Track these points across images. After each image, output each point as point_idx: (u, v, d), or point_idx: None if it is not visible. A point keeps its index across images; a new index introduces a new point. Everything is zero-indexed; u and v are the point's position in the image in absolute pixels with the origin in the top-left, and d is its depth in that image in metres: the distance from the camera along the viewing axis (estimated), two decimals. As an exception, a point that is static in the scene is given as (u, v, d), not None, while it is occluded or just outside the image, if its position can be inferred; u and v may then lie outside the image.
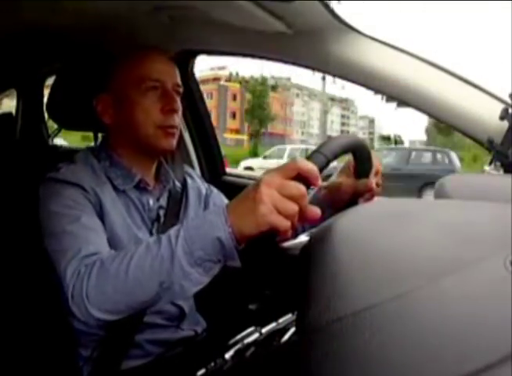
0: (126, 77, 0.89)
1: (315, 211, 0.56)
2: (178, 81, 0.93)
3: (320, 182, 0.56)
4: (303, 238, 1.01)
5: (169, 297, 0.62)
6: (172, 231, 0.61)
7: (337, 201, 0.82)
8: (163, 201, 0.96)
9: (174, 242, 0.59)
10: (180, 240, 0.58)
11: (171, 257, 0.59)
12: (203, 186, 1.08)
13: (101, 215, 0.84)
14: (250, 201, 0.55)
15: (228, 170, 1.66)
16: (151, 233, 0.91)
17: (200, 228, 0.58)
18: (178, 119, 0.90)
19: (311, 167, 0.55)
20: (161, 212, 0.95)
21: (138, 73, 0.88)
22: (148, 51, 0.92)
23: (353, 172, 0.81)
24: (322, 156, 0.58)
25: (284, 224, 0.54)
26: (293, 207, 0.54)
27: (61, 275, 0.71)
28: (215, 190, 1.10)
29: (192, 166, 1.48)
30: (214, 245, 0.57)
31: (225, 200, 1.09)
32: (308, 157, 0.59)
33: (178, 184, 1.01)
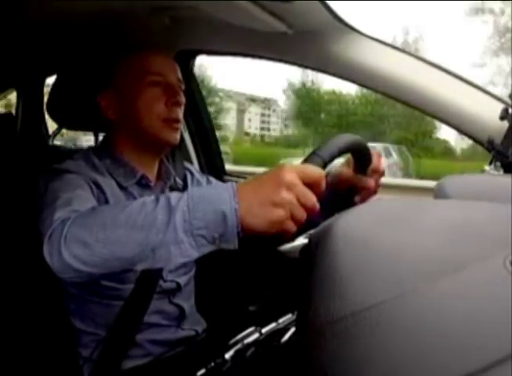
0: (130, 73, 0.90)
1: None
2: (180, 76, 0.94)
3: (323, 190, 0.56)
4: (301, 241, 1.01)
5: (151, 261, 0.56)
6: (173, 194, 0.58)
7: (336, 190, 0.81)
8: None
9: (174, 204, 0.55)
10: (181, 205, 0.55)
11: (168, 219, 0.55)
12: (203, 180, 1.09)
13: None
14: (268, 201, 0.53)
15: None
16: None
17: (206, 198, 0.55)
18: (181, 113, 0.91)
19: (321, 177, 0.55)
20: None
21: (141, 67, 0.90)
22: (149, 48, 0.94)
23: (353, 167, 0.81)
24: (319, 158, 0.58)
25: (294, 229, 0.54)
26: (303, 215, 0.54)
27: (46, 226, 0.66)
28: (214, 180, 1.11)
29: (192, 165, 1.48)
30: (217, 218, 0.54)
31: None
32: (306, 160, 0.58)
33: (179, 181, 1.02)
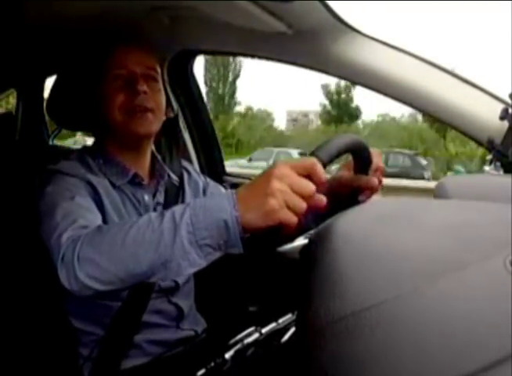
0: (99, 71, 0.91)
1: (321, 198, 0.56)
2: (150, 63, 0.93)
3: (324, 182, 0.55)
4: (301, 241, 1.01)
5: (163, 273, 0.58)
6: (177, 207, 0.59)
7: (337, 194, 0.79)
8: (160, 198, 0.96)
9: (178, 218, 0.57)
10: (185, 218, 0.57)
11: (174, 233, 0.57)
12: (200, 180, 1.09)
13: (99, 206, 0.84)
14: (260, 194, 0.54)
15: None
16: None
17: (207, 209, 0.56)
18: (151, 101, 0.90)
19: (322, 171, 0.54)
20: (159, 208, 0.95)
21: (107, 65, 0.91)
22: (118, 45, 0.94)
23: (353, 168, 0.79)
24: (317, 159, 0.56)
25: (293, 220, 0.53)
26: (302, 205, 0.53)
27: (53, 245, 0.69)
28: (212, 182, 1.11)
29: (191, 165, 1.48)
30: (219, 227, 0.55)
31: (223, 190, 1.10)
32: None
33: (175, 177, 1.01)
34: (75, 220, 0.72)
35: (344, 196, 0.78)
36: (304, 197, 0.53)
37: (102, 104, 0.90)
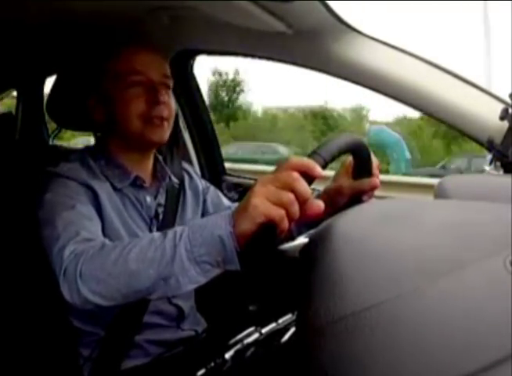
0: (112, 75, 0.90)
1: (318, 203, 0.55)
2: (166, 71, 0.93)
3: (320, 172, 0.55)
4: (301, 240, 1.01)
5: (164, 290, 0.61)
6: (179, 227, 0.62)
7: (336, 205, 0.77)
8: (161, 199, 0.96)
9: (178, 237, 0.59)
10: (184, 236, 0.59)
11: (174, 250, 0.59)
12: (201, 184, 1.09)
13: (99, 210, 0.84)
14: (245, 200, 0.55)
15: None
16: (150, 230, 0.92)
17: (204, 226, 0.58)
18: (166, 111, 0.90)
19: (302, 161, 0.54)
20: (160, 210, 0.95)
21: (122, 68, 0.89)
22: (132, 46, 0.93)
23: (352, 173, 0.77)
24: (319, 157, 0.56)
25: (277, 212, 0.53)
26: (287, 195, 0.53)
27: (55, 257, 0.71)
28: (212, 187, 1.11)
29: (192, 165, 1.48)
30: (215, 244, 0.56)
31: (222, 197, 1.10)
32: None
33: (175, 180, 1.01)
34: (78, 232, 0.73)
35: (343, 205, 0.76)
36: (290, 186, 0.53)
37: (118, 109, 0.89)
